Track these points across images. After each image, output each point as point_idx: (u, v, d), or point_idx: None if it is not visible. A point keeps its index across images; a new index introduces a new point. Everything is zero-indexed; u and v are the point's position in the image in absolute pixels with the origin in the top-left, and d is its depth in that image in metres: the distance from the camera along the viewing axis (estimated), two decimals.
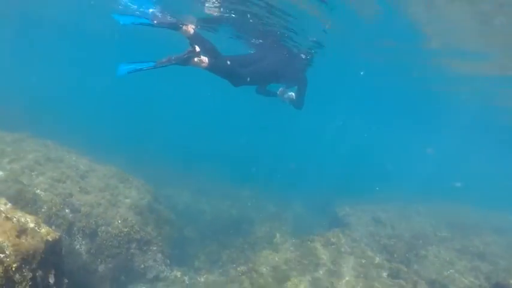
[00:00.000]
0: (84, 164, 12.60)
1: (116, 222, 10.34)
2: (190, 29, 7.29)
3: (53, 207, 9.63)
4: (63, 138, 14.06)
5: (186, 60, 6.77)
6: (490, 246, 14.11)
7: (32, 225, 6.29)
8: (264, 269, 10.12)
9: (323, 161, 33.74)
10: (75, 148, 13.74)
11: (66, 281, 7.23)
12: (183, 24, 7.25)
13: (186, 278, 11.12)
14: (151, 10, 8.22)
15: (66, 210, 9.91)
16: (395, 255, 12.10)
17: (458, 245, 13.74)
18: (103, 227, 10.17)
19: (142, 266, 10.62)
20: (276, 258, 10.75)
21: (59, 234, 6.63)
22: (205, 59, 6.93)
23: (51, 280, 6.22)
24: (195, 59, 6.83)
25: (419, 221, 15.57)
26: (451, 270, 11.89)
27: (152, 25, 7.26)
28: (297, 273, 9.97)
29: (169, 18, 10.01)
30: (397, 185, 23.01)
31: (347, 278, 10.04)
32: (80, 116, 24.45)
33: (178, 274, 11.27)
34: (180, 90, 47.63)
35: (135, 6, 10.75)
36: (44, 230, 6.37)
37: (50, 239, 6.24)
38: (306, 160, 32.47)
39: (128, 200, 11.49)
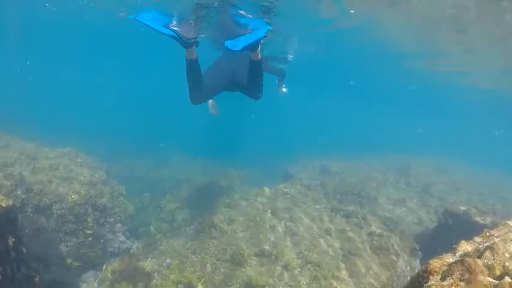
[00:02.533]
0: (31, 148, 12.79)
1: (70, 198, 10.69)
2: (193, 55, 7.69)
3: (3, 188, 9.92)
4: (8, 125, 14.14)
5: (188, 44, 7.35)
6: (436, 185, 15.36)
7: None
8: (222, 224, 10.80)
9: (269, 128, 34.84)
10: (21, 135, 13.83)
11: (24, 250, 7.67)
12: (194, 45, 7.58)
13: (146, 247, 11.61)
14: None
15: (18, 192, 10.21)
16: (347, 200, 13.03)
17: (408, 186, 14.87)
18: (57, 204, 10.51)
19: (101, 240, 11.05)
20: (232, 213, 11.43)
21: (11, 201, 7.02)
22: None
23: (11, 243, 6.65)
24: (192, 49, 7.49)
25: (368, 169, 16.63)
26: (403, 208, 12.97)
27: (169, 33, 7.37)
28: (254, 224, 10.70)
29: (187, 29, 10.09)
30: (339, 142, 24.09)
31: (304, 222, 10.88)
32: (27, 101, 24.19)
33: (140, 245, 11.80)
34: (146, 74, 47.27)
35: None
36: None
37: (4, 205, 6.63)
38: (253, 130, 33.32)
39: (80, 177, 11.81)
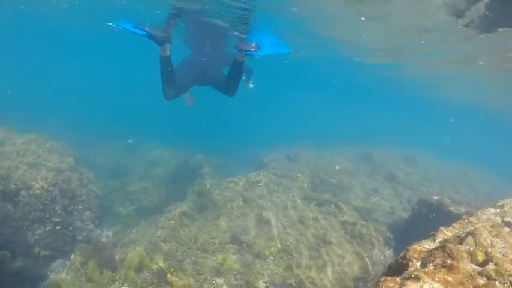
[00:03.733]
0: None
1: (37, 185, 10.06)
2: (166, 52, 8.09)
3: None
4: None
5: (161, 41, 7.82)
6: (409, 176, 15.19)
7: None
8: (192, 212, 10.33)
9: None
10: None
11: None
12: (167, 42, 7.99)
13: (116, 235, 11.06)
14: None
15: None
16: (320, 188, 12.71)
17: (380, 176, 14.64)
18: (24, 191, 9.90)
19: (70, 228, 10.44)
20: (204, 200, 10.98)
21: None
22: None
23: None
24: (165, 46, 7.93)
25: (340, 159, 16.30)
26: (376, 198, 12.71)
27: (143, 33, 7.89)
28: (226, 212, 10.27)
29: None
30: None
31: (277, 210, 10.50)
32: None
33: (110, 234, 11.24)
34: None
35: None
36: None
37: None
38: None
39: (48, 163, 11.15)
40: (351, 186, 13.26)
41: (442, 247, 3.34)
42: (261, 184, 11.61)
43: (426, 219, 10.66)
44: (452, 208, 10.51)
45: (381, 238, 10.50)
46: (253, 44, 8.70)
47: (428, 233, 9.43)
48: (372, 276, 9.49)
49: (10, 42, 33.16)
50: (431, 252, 3.39)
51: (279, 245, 9.38)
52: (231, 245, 9.26)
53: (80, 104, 27.15)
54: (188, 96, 10.22)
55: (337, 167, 14.56)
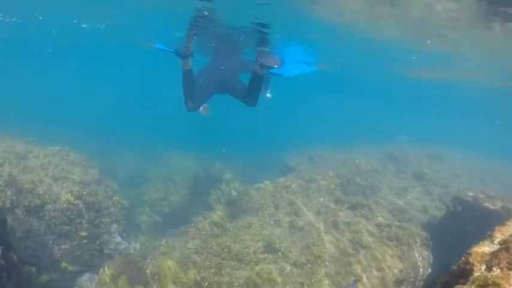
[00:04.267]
0: (21, 146, 11.69)
1: (63, 198, 9.68)
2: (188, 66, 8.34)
3: None
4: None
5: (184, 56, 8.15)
6: (437, 173, 14.62)
7: None
8: (223, 221, 9.87)
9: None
10: (10, 133, 12.69)
11: (15, 257, 6.72)
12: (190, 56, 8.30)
13: (144, 247, 10.62)
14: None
15: (8, 192, 9.21)
16: (349, 190, 12.20)
17: (408, 174, 14.09)
18: (49, 205, 9.53)
19: (97, 241, 10.03)
20: (233, 209, 10.59)
21: None
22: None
23: None
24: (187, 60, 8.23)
25: (366, 159, 15.72)
26: (407, 197, 12.18)
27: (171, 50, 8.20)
28: (257, 220, 9.80)
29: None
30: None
31: (309, 216, 10.02)
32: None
33: (138, 246, 10.81)
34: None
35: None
36: None
37: None
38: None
39: (73, 176, 10.80)
40: (380, 187, 12.73)
41: (506, 248, 3.15)
42: (290, 189, 11.14)
43: (461, 216, 10.25)
44: (487, 204, 10.04)
45: (418, 239, 9.96)
46: (277, 58, 8.41)
47: (466, 230, 9.03)
48: (412, 279, 9.03)
49: (24, 51, 33.14)
50: (495, 255, 3.19)
51: (315, 252, 8.86)
52: (266, 254, 8.78)
53: (96, 113, 26.79)
54: (204, 106, 9.87)
55: (363, 168, 14.00)
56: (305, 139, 20.37)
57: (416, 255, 9.66)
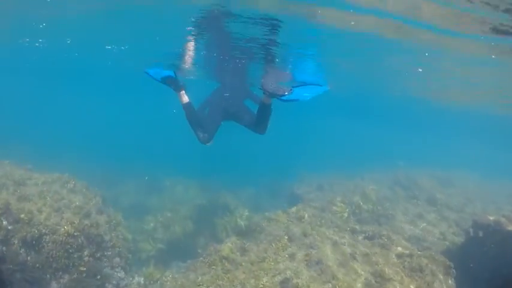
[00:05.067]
0: (19, 173, 10.92)
1: (62, 229, 8.85)
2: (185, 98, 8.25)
3: None
4: None
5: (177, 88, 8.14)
6: (450, 197, 13.98)
7: None
8: (234, 255, 9.03)
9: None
10: (8, 159, 11.93)
11: None
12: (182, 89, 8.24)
13: (149, 283, 9.76)
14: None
15: (4, 222, 8.48)
16: (363, 219, 11.45)
17: (422, 200, 13.46)
18: (48, 236, 8.73)
19: (98, 276, 9.16)
20: (245, 241, 9.70)
21: None
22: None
23: None
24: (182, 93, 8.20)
25: (374, 185, 14.97)
26: (423, 224, 11.46)
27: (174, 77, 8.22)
28: (271, 253, 8.97)
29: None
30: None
31: (324, 248, 9.20)
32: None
33: (141, 280, 9.96)
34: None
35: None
36: None
37: None
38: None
39: (73, 205, 9.97)
40: (394, 214, 12.01)
41: None
42: (304, 220, 10.34)
43: (484, 242, 9.59)
44: (511, 228, 9.34)
45: (441, 268, 9.21)
46: (286, 75, 7.82)
47: (489, 256, 8.29)
48: None
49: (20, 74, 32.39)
50: None
51: (335, 286, 8.04)
52: None
53: (94, 138, 25.89)
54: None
55: (374, 195, 13.25)
56: (308, 164, 19.63)
57: (440, 285, 8.91)
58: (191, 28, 9.56)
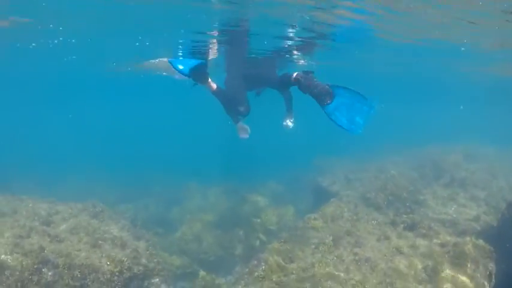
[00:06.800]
0: (44, 208, 10.30)
1: (105, 266, 8.34)
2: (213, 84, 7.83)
3: (25, 272, 7.53)
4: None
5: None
6: (474, 174, 13.80)
7: None
8: (284, 263, 8.68)
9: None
10: (25, 193, 11.27)
11: None
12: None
13: None
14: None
15: (43, 270, 7.84)
16: (398, 208, 11.19)
17: (448, 180, 13.21)
18: (91, 275, 8.16)
19: None
20: (288, 247, 9.32)
21: None
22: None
23: None
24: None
25: (398, 169, 14.65)
26: (454, 206, 11.28)
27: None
28: (320, 256, 8.65)
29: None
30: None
31: (369, 245, 8.96)
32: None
33: None
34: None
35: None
36: None
37: None
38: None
39: (107, 235, 9.48)
40: (425, 198, 11.79)
41: None
42: (341, 217, 10.03)
43: None
44: None
45: (483, 253, 9.04)
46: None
47: None
48: None
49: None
50: None
51: (389, 283, 7.80)
52: None
53: (95, 154, 24.62)
54: (242, 126, 8.37)
55: (401, 180, 12.95)
56: (324, 152, 19.02)
57: (483, 270, 8.78)
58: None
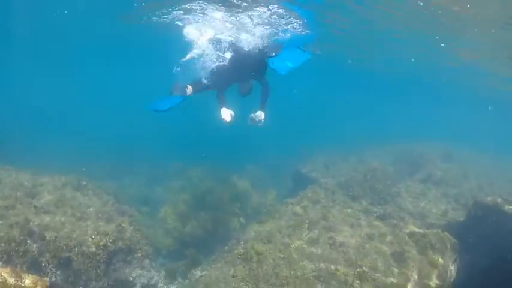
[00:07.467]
0: (27, 179, 10.32)
1: (90, 239, 8.51)
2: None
3: (12, 242, 7.67)
4: None
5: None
6: (448, 173, 14.44)
7: (11, 280, 4.59)
8: (260, 246, 9.04)
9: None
10: (7, 164, 11.23)
11: None
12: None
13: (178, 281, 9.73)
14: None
15: (28, 241, 7.97)
16: (373, 198, 11.69)
17: (422, 177, 13.82)
18: (76, 248, 8.32)
19: (130, 278, 9.07)
20: (267, 229, 9.70)
21: (47, 279, 4.97)
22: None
23: None
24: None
25: (376, 162, 15.11)
26: (425, 201, 11.86)
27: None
28: (296, 240, 9.04)
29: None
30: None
31: (343, 230, 9.40)
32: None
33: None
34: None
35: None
36: (28, 280, 4.73)
37: None
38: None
39: (91, 209, 9.65)
40: (399, 192, 12.34)
41: None
42: (318, 202, 10.44)
43: (483, 220, 10.26)
44: (506, 208, 10.16)
45: (448, 244, 9.63)
46: None
47: (486, 233, 8.71)
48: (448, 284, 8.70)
49: None
50: None
51: (364, 268, 8.26)
52: (314, 273, 8.06)
53: (75, 128, 24.28)
54: (225, 111, 8.31)
55: (379, 173, 13.43)
56: (308, 142, 19.42)
57: (448, 260, 9.37)
58: None
